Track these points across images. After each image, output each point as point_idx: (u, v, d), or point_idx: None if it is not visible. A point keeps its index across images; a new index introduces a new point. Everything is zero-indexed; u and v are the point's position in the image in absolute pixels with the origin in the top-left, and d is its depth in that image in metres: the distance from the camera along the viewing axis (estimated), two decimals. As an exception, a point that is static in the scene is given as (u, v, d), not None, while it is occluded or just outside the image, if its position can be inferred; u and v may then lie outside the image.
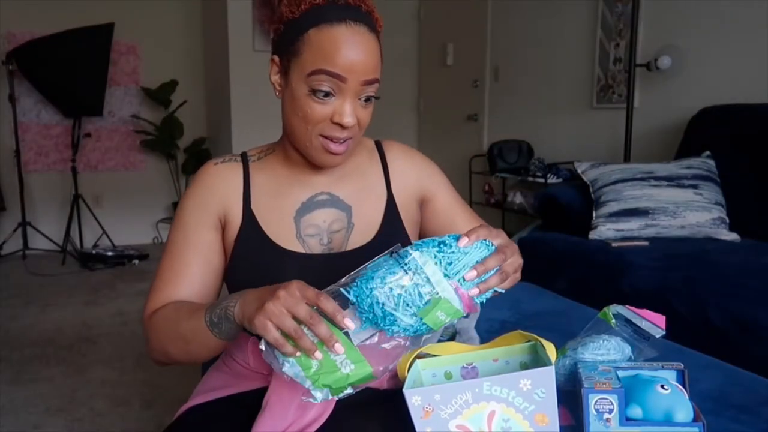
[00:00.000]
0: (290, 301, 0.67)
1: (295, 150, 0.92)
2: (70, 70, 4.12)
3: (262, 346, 0.70)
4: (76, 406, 2.10)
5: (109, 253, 4.17)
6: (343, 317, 0.69)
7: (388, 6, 4.89)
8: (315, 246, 0.92)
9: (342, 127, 0.83)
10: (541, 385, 0.71)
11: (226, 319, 0.75)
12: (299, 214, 0.93)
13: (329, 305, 0.68)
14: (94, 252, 4.19)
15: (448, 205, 1.05)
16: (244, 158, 0.98)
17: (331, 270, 0.90)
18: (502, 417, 0.71)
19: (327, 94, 0.81)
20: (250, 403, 0.86)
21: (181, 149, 4.80)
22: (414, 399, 0.71)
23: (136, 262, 4.20)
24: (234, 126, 4.28)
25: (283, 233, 0.92)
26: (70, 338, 2.76)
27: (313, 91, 0.82)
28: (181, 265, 0.91)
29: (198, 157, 4.74)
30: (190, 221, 0.93)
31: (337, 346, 0.69)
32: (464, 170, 4.20)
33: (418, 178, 1.03)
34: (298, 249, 0.92)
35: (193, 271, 0.91)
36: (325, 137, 0.85)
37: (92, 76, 4.21)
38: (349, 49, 0.80)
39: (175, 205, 4.79)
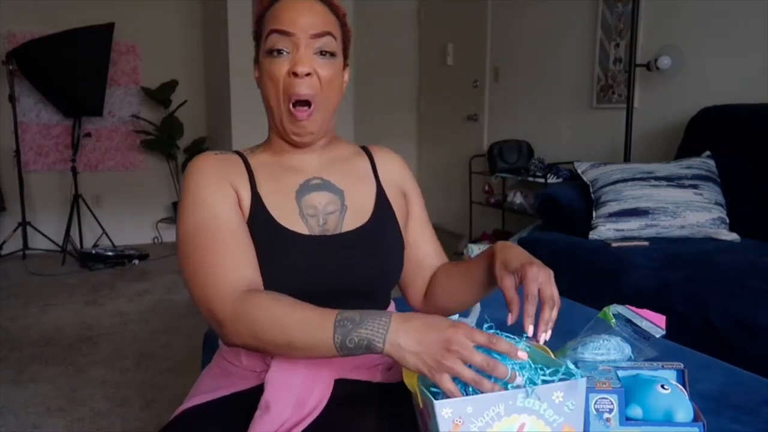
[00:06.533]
0: (464, 352, 0.68)
1: (280, 138, 0.98)
2: (70, 70, 4.12)
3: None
4: (76, 406, 2.10)
5: (109, 253, 4.17)
6: (517, 350, 0.70)
7: (388, 6, 4.90)
8: (315, 226, 0.94)
9: (298, 76, 0.89)
10: (572, 398, 0.70)
11: (367, 349, 0.74)
12: (299, 194, 0.95)
13: (503, 345, 0.70)
14: (94, 252, 4.19)
15: (420, 225, 1.08)
16: (238, 152, 1.00)
17: (331, 251, 0.93)
18: (531, 430, 0.69)
19: (280, 51, 0.91)
20: (244, 403, 0.86)
21: (181, 149, 4.80)
22: (444, 411, 0.66)
23: (136, 262, 4.20)
24: (234, 126, 4.28)
25: (287, 213, 0.93)
26: (70, 338, 2.76)
27: (270, 51, 0.92)
28: (230, 241, 0.87)
29: (198, 157, 4.74)
30: (214, 199, 0.90)
31: (518, 379, 0.70)
32: (464, 170, 4.19)
33: (402, 176, 1.08)
34: (302, 228, 0.93)
35: (245, 244, 0.88)
36: (293, 106, 0.91)
37: (92, 76, 4.21)
38: (293, 10, 0.91)
39: (175, 205, 4.79)
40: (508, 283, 0.85)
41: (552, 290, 0.82)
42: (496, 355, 0.72)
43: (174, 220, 4.78)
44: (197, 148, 4.76)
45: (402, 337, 0.72)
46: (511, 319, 0.80)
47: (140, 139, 4.69)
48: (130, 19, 4.54)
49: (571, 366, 0.73)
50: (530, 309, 0.79)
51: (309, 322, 0.77)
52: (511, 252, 0.89)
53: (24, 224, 4.23)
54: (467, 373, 0.68)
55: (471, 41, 4.33)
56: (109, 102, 4.58)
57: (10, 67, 4.05)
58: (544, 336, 0.78)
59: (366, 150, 1.08)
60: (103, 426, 1.97)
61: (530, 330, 0.78)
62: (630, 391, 0.82)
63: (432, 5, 4.79)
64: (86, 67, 4.17)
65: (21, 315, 3.10)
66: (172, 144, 4.68)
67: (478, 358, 0.68)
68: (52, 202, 4.56)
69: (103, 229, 4.47)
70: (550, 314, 0.80)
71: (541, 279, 0.82)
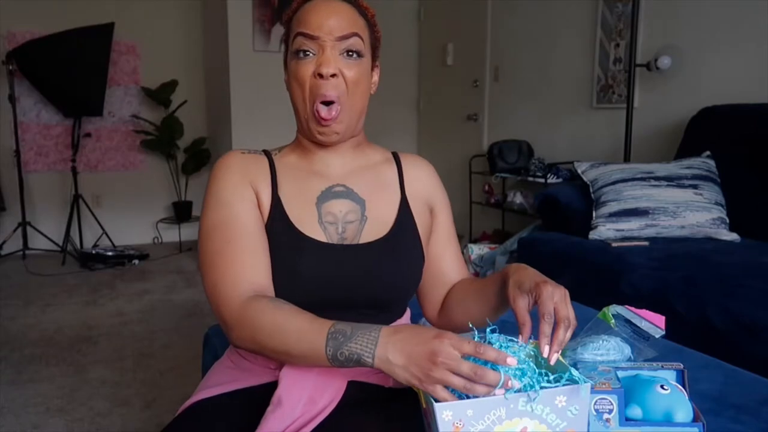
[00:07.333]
0: (451, 363, 0.68)
1: (306, 138, 0.98)
2: (70, 70, 4.12)
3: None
4: (76, 406, 2.10)
5: (109, 253, 4.17)
6: (506, 357, 0.70)
7: (388, 6, 4.89)
8: (333, 234, 0.94)
9: (323, 78, 0.89)
10: (575, 402, 0.70)
11: (357, 363, 0.74)
12: (320, 201, 0.96)
13: (491, 353, 0.70)
14: (94, 252, 4.19)
15: (445, 238, 1.06)
16: (266, 152, 1.01)
17: (347, 261, 0.92)
18: None
19: (306, 53, 0.91)
20: (257, 398, 0.87)
21: (181, 149, 4.80)
22: (444, 414, 0.67)
23: (136, 262, 4.20)
24: (234, 126, 4.28)
25: (306, 219, 0.94)
26: (70, 338, 2.76)
27: (296, 53, 0.92)
28: (244, 243, 0.89)
29: (198, 157, 4.74)
30: (234, 199, 0.92)
31: (515, 384, 0.70)
32: (464, 170, 4.20)
33: (430, 188, 1.06)
34: (319, 235, 0.93)
35: (258, 248, 0.90)
36: (317, 109, 0.91)
37: (92, 76, 4.21)
38: (319, 13, 0.91)
39: (175, 205, 4.80)
40: (521, 304, 0.82)
41: (568, 310, 0.79)
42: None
43: (174, 220, 4.79)
44: (197, 148, 4.76)
45: (390, 350, 0.72)
46: (521, 341, 0.79)
47: (140, 139, 4.69)
48: (129, 19, 4.54)
49: (576, 373, 0.72)
50: (546, 329, 0.77)
51: (304, 332, 0.78)
52: (525, 273, 0.86)
53: (24, 224, 4.23)
54: (457, 382, 0.68)
55: (471, 41, 4.33)
56: (109, 102, 4.58)
57: (10, 67, 4.05)
58: (556, 356, 0.76)
59: (396, 157, 1.06)
60: (103, 426, 1.97)
61: (546, 350, 0.77)
62: (630, 392, 0.82)
63: (432, 5, 4.79)
64: (86, 67, 4.17)
65: (21, 315, 3.10)
66: (172, 144, 4.68)
67: (466, 368, 0.68)
68: (52, 202, 4.56)
69: (103, 229, 4.47)
70: (565, 335, 0.77)
71: (557, 298, 0.79)
